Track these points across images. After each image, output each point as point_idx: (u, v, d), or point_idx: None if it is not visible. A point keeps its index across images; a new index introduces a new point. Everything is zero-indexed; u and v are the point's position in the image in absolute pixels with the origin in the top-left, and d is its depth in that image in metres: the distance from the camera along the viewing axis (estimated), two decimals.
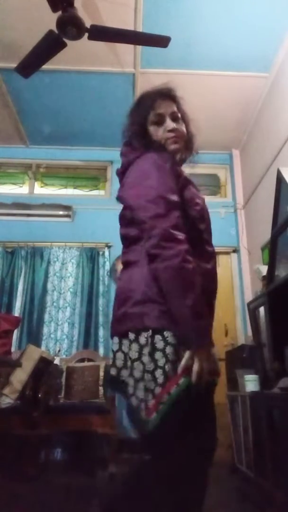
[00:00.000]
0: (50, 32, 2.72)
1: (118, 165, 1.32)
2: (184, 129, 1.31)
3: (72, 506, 2.19)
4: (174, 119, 1.29)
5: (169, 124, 1.27)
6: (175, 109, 1.31)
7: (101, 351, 3.91)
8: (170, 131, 1.27)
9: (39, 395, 2.88)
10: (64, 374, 3.42)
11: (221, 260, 4.36)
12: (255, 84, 3.65)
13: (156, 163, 1.16)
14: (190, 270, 0.99)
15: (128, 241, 1.20)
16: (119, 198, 1.22)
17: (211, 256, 1.18)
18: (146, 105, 1.31)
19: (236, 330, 4.13)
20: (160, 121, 1.28)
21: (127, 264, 1.18)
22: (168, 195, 1.08)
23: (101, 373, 3.39)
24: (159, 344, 0.99)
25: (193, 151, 1.35)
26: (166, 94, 1.33)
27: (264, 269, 2.86)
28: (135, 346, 1.02)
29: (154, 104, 1.29)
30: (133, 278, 1.11)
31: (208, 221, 1.23)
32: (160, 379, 0.97)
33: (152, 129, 1.29)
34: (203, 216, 1.20)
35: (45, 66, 3.00)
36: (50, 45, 2.78)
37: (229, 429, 3.03)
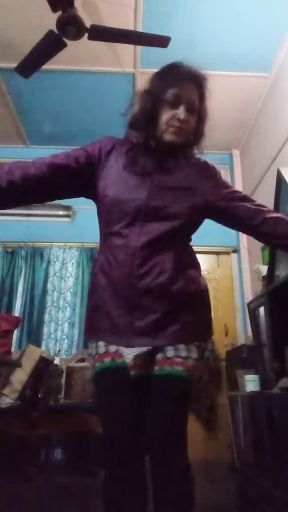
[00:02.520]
0: (50, 32, 2.72)
1: None
2: (194, 123, 1.20)
3: (72, 506, 2.19)
4: (190, 109, 1.17)
5: (181, 112, 1.16)
6: (195, 98, 1.19)
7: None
8: (179, 119, 1.16)
9: (39, 395, 2.88)
10: (64, 374, 3.41)
11: (221, 260, 4.36)
12: (255, 84, 3.65)
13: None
14: None
15: None
16: None
17: (125, 244, 1.13)
18: (170, 80, 1.19)
19: (236, 330, 4.13)
20: (174, 103, 1.16)
21: None
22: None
23: None
24: None
25: (196, 149, 1.26)
26: (194, 78, 1.21)
27: (264, 269, 2.86)
28: None
29: (177, 83, 1.18)
30: None
31: (123, 207, 1.15)
32: None
33: (162, 108, 1.18)
34: (111, 209, 1.17)
35: (45, 66, 3.00)
36: (50, 45, 2.78)
37: (229, 429, 3.03)
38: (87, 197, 1.29)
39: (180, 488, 1.02)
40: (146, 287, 1.09)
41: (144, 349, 1.09)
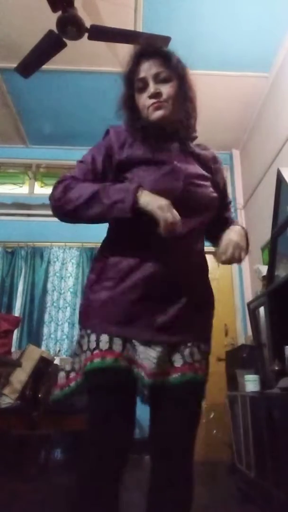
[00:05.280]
0: (50, 32, 2.72)
1: None
2: (172, 90, 1.11)
3: (72, 506, 2.19)
4: (158, 80, 1.11)
5: (151, 87, 1.10)
6: (160, 68, 1.11)
7: None
8: (150, 96, 1.10)
9: (39, 395, 2.88)
10: None
11: None
12: (255, 84, 3.65)
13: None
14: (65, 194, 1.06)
15: None
16: None
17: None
18: (129, 72, 1.15)
19: (236, 330, 4.13)
20: (143, 87, 1.12)
21: None
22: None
23: None
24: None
25: (194, 113, 1.17)
26: (149, 53, 1.13)
27: (264, 269, 2.86)
28: None
29: (137, 69, 1.13)
30: None
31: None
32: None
33: (137, 99, 1.14)
34: None
35: (45, 66, 3.00)
36: (50, 45, 2.79)
37: (229, 429, 3.03)
38: None
39: (183, 491, 1.02)
40: (175, 281, 1.07)
41: (162, 349, 1.02)
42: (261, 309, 2.68)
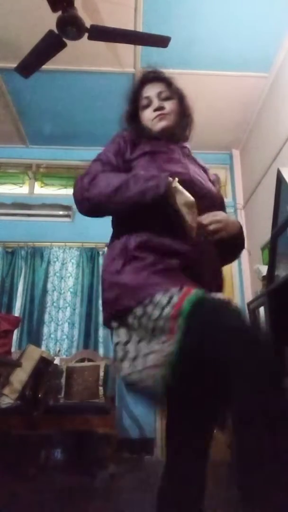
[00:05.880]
0: (50, 32, 2.72)
1: None
2: (174, 105, 1.30)
3: (72, 506, 2.19)
4: (163, 98, 1.30)
5: (155, 103, 1.29)
6: (162, 88, 1.30)
7: (101, 351, 3.90)
8: (155, 109, 1.28)
9: (39, 395, 2.88)
10: (64, 374, 3.42)
11: None
12: (255, 84, 3.65)
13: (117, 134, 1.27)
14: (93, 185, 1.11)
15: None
16: None
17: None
18: (134, 94, 1.33)
19: None
20: (148, 104, 1.30)
21: None
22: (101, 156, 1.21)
23: (101, 373, 3.39)
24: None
25: (191, 126, 1.34)
26: (152, 78, 1.33)
27: (264, 269, 2.86)
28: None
29: (141, 91, 1.32)
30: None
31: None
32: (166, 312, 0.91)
33: (142, 114, 1.32)
34: None
35: (45, 66, 3.00)
36: (50, 45, 2.79)
37: (229, 429, 3.03)
38: None
39: None
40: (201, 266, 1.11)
41: None
42: (261, 309, 2.69)
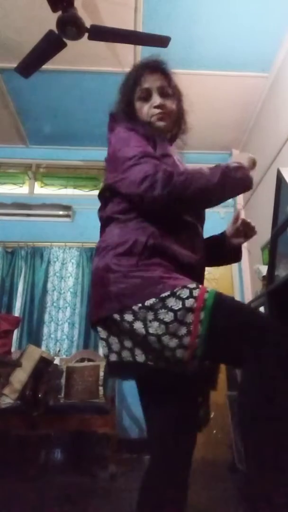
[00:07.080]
0: (50, 32, 2.72)
1: None
2: (173, 105, 1.23)
3: (72, 506, 2.19)
4: (163, 94, 1.22)
5: (156, 99, 1.20)
6: (164, 83, 1.22)
7: (101, 351, 3.90)
8: (156, 107, 1.20)
9: (39, 395, 2.88)
10: (64, 374, 3.42)
11: None
12: (255, 84, 3.65)
13: (128, 127, 1.15)
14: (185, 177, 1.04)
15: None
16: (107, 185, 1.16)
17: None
18: (133, 80, 1.24)
19: None
20: (146, 97, 1.22)
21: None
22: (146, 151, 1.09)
23: (101, 373, 3.39)
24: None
25: (185, 130, 1.30)
26: (155, 67, 1.24)
27: (264, 269, 2.86)
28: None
29: (141, 79, 1.22)
30: None
31: None
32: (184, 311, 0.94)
33: (138, 105, 1.23)
34: None
35: (45, 66, 3.00)
36: (50, 45, 2.78)
37: (229, 429, 3.03)
38: None
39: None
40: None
41: None
42: (261, 309, 2.68)
